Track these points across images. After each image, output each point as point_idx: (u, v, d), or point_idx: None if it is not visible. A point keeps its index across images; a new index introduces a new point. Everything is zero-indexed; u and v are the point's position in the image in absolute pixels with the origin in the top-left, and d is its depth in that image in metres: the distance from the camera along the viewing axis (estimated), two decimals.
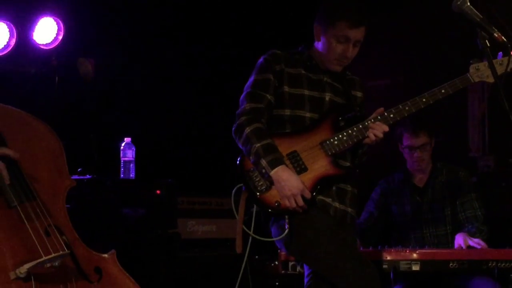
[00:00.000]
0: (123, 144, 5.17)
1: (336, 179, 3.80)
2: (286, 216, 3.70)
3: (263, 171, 3.68)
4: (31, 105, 4.22)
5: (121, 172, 5.14)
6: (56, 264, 3.06)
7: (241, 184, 3.76)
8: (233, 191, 3.77)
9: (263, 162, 3.66)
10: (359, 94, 4.02)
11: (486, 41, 3.39)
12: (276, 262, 4.59)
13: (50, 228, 3.14)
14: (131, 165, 5.15)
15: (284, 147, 3.75)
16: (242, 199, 3.77)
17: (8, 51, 5.34)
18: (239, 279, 3.81)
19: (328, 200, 3.79)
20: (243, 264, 3.80)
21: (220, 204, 5.44)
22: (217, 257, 5.26)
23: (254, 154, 3.69)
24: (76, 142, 5.17)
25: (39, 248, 3.06)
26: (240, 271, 3.81)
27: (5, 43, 5.33)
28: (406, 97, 3.83)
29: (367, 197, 5.14)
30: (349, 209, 3.88)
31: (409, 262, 4.36)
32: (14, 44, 5.36)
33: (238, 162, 3.81)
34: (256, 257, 5.25)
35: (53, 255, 3.05)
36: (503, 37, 3.38)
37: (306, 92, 3.88)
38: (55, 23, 5.58)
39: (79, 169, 4.84)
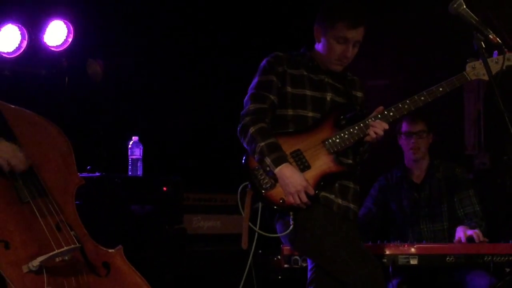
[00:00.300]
0: (131, 143, 5.17)
1: (338, 176, 3.81)
2: (291, 213, 3.71)
3: (268, 169, 3.69)
4: (42, 105, 4.24)
5: (129, 169, 5.14)
6: (66, 258, 3.08)
7: (247, 183, 3.77)
8: (239, 189, 3.78)
9: (268, 160, 3.67)
10: (359, 94, 4.03)
11: (482, 42, 3.40)
12: (279, 257, 4.59)
13: (62, 224, 3.16)
14: (139, 163, 5.15)
15: (288, 146, 3.76)
16: (248, 196, 3.78)
17: (20, 53, 5.35)
18: (245, 274, 3.82)
19: (331, 196, 3.80)
20: (249, 260, 3.81)
21: (225, 201, 5.44)
22: (222, 252, 5.26)
23: (259, 153, 3.69)
24: (85, 141, 5.20)
25: (52, 242, 3.08)
26: (246, 266, 3.82)
27: (17, 45, 5.33)
28: (405, 97, 3.84)
29: (367, 193, 5.14)
30: (352, 205, 3.88)
31: (407, 256, 4.37)
32: (26, 46, 5.36)
33: (243, 161, 3.82)
34: (260, 252, 5.25)
35: (65, 248, 3.07)
36: (497, 39, 3.39)
37: (308, 92, 3.88)
38: (65, 26, 5.58)
39: (88, 167, 4.84)
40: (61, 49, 5.59)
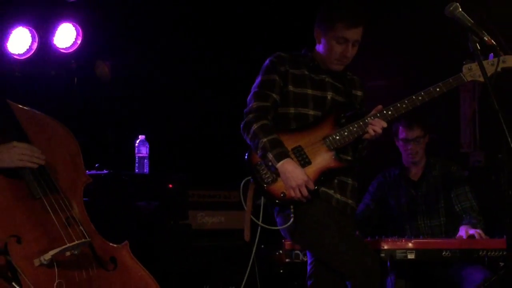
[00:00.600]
0: (137, 141, 5.18)
1: (337, 171, 3.82)
2: (291, 206, 3.72)
3: (270, 164, 3.71)
4: (51, 104, 4.25)
5: (136, 167, 5.15)
6: (76, 252, 3.09)
7: (249, 177, 3.79)
8: (242, 183, 3.80)
9: (270, 156, 3.69)
10: (359, 93, 4.04)
11: (477, 44, 3.40)
12: (281, 251, 4.59)
13: (71, 219, 3.17)
14: (145, 160, 5.16)
15: (290, 142, 3.77)
16: (250, 190, 3.80)
17: (30, 55, 5.36)
18: (249, 267, 3.83)
19: (331, 191, 3.81)
20: (253, 252, 3.82)
21: (228, 197, 5.45)
22: (225, 247, 5.26)
23: (262, 148, 3.71)
24: (94, 139, 5.21)
25: (63, 236, 3.09)
26: (250, 259, 3.83)
27: (28, 47, 5.34)
28: (403, 97, 3.85)
29: (365, 190, 5.15)
30: (350, 201, 3.89)
31: (404, 251, 4.37)
32: (36, 48, 5.37)
33: (246, 156, 3.84)
34: (262, 246, 5.25)
35: (76, 242, 3.08)
36: (492, 41, 3.39)
37: (309, 91, 3.89)
38: (74, 28, 5.59)
39: (96, 165, 4.85)
40: (70, 51, 5.61)
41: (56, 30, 5.50)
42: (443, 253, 4.38)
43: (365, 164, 4.08)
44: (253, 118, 3.78)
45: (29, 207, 3.12)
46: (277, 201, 3.74)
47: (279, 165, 3.67)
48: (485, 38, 3.37)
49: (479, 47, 3.42)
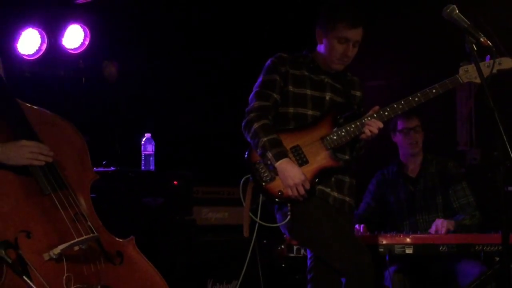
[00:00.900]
0: (143, 139, 5.18)
1: (334, 170, 3.83)
2: (289, 204, 3.73)
3: (269, 162, 3.71)
4: (60, 104, 4.26)
5: (142, 164, 5.15)
6: (84, 247, 3.09)
7: (249, 175, 3.79)
8: (241, 181, 3.82)
9: (269, 155, 3.70)
10: (358, 93, 4.04)
11: (474, 45, 3.39)
12: (282, 246, 4.60)
13: (80, 215, 3.17)
14: (151, 158, 5.16)
15: (288, 142, 3.78)
16: (249, 188, 3.81)
17: (40, 55, 5.37)
18: (247, 260, 3.83)
19: (328, 190, 3.82)
20: (250, 247, 3.83)
21: (232, 193, 5.44)
22: (229, 241, 5.25)
23: (261, 147, 3.72)
24: (101, 138, 5.21)
25: (72, 231, 3.09)
26: (248, 254, 3.84)
27: (37, 48, 5.35)
28: (401, 97, 3.85)
29: (364, 187, 5.14)
30: (347, 198, 3.89)
31: (403, 246, 4.37)
32: (45, 49, 5.38)
33: (246, 155, 3.84)
34: (264, 241, 5.26)
35: (84, 237, 3.08)
36: (488, 42, 3.38)
37: (309, 91, 3.89)
38: (82, 29, 5.60)
39: (104, 162, 4.85)
40: (78, 51, 5.61)
41: (65, 31, 5.51)
42: (440, 248, 4.38)
43: (363, 163, 4.08)
44: (254, 117, 3.78)
45: (39, 203, 3.12)
46: (275, 199, 3.75)
47: (277, 164, 3.68)
48: (481, 39, 3.36)
49: (475, 48, 3.41)
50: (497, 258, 4.35)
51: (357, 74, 4.09)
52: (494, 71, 3.59)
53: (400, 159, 5.12)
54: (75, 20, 5.56)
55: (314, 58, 3.95)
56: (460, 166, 5.19)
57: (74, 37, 5.57)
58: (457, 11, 3.38)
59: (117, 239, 3.32)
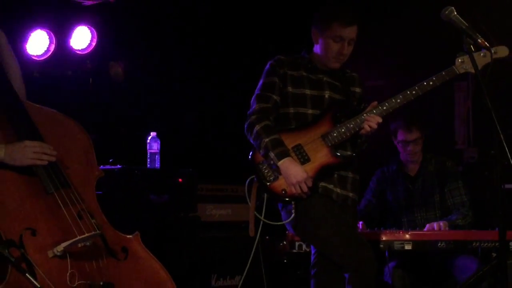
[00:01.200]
0: (149, 138, 5.17)
1: (336, 167, 3.81)
2: (293, 202, 3.71)
3: (272, 162, 3.71)
4: (68, 103, 4.24)
5: (148, 162, 5.14)
6: (88, 243, 3.07)
7: (253, 176, 3.79)
8: (247, 182, 3.82)
9: (271, 155, 3.70)
10: (357, 89, 4.01)
11: (471, 45, 3.37)
12: (285, 242, 4.58)
13: (83, 212, 3.15)
14: (157, 156, 5.15)
15: (290, 141, 3.77)
16: (254, 188, 3.81)
17: (48, 56, 5.36)
18: (250, 258, 3.82)
19: (330, 186, 3.80)
20: (255, 245, 3.82)
21: (235, 191, 5.43)
22: (232, 238, 5.25)
23: (264, 148, 3.72)
24: (108, 136, 5.20)
25: (74, 229, 3.07)
26: (252, 250, 3.82)
27: (46, 49, 5.34)
28: None
29: (365, 184, 5.12)
30: (351, 194, 3.87)
31: (402, 242, 4.36)
32: (53, 50, 5.37)
33: (250, 156, 3.85)
34: (267, 237, 5.25)
35: (86, 234, 3.06)
36: (485, 42, 3.36)
37: (308, 91, 3.88)
38: (89, 31, 5.59)
39: (110, 160, 4.84)
40: (85, 52, 5.61)
41: (73, 32, 5.50)
42: (439, 244, 4.36)
43: (365, 160, 4.06)
44: (256, 119, 3.78)
45: (43, 202, 3.10)
46: (280, 198, 3.74)
47: (280, 163, 3.68)
48: (479, 40, 3.35)
49: (473, 49, 3.40)
50: (494, 254, 4.33)
51: (358, 73, 4.06)
52: (491, 58, 3.52)
53: (400, 158, 5.09)
54: (82, 22, 5.55)
55: (312, 59, 3.94)
56: (457, 165, 5.17)
57: (81, 38, 5.56)
58: (455, 13, 3.36)
59: (122, 234, 3.30)
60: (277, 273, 5.37)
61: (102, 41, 5.62)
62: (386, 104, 3.79)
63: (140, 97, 5.92)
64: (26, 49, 5.22)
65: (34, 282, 2.82)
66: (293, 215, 3.71)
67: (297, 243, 4.47)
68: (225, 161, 6.01)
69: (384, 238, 4.35)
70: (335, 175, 3.82)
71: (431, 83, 3.78)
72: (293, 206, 3.72)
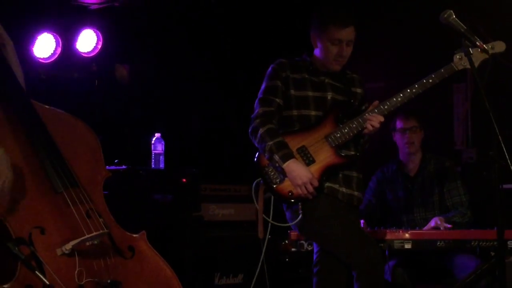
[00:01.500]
0: (154, 139, 5.18)
1: (340, 167, 3.81)
2: (299, 203, 3.71)
3: (277, 165, 3.71)
4: (74, 104, 4.24)
5: (152, 163, 5.15)
6: (96, 242, 3.07)
7: (260, 179, 3.79)
8: (253, 185, 3.82)
9: (276, 157, 3.69)
10: (359, 90, 4.01)
11: (469, 48, 3.38)
12: (287, 241, 4.58)
13: (91, 211, 3.16)
14: (161, 157, 5.16)
15: (294, 143, 3.77)
16: (261, 191, 3.81)
17: (55, 59, 5.38)
18: (261, 259, 3.84)
19: (336, 186, 3.80)
20: (264, 247, 3.83)
21: (238, 191, 5.44)
22: (235, 237, 5.26)
23: (268, 151, 3.72)
24: (113, 137, 5.21)
25: (82, 228, 3.08)
26: (258, 250, 3.85)
27: (52, 52, 5.36)
28: None
29: (366, 184, 5.12)
30: (356, 193, 3.87)
31: (402, 241, 4.36)
32: (60, 53, 5.39)
33: (255, 159, 3.85)
34: (269, 237, 5.24)
35: (94, 233, 3.07)
36: (484, 45, 3.37)
37: (310, 93, 3.88)
38: (94, 34, 5.60)
39: (116, 161, 4.85)
40: (91, 55, 5.62)
41: (79, 36, 5.52)
42: (438, 243, 4.36)
43: (365, 160, 4.06)
44: (260, 123, 3.77)
45: (52, 201, 3.10)
46: (286, 199, 3.74)
47: (285, 165, 3.67)
48: (477, 43, 3.36)
49: (471, 52, 3.40)
50: (492, 253, 4.33)
51: (358, 75, 4.07)
52: (490, 53, 3.52)
53: (399, 158, 5.10)
54: (88, 25, 5.57)
55: (313, 61, 3.94)
56: (456, 165, 5.17)
57: (87, 41, 5.58)
58: (454, 16, 3.37)
59: (128, 234, 3.31)
60: (279, 271, 5.37)
61: (107, 44, 5.63)
62: (388, 102, 3.80)
63: (144, 99, 5.93)
64: (33, 52, 5.24)
65: (44, 279, 2.84)
66: (300, 215, 3.71)
67: (299, 242, 4.47)
68: (228, 162, 6.02)
69: (384, 237, 4.36)
70: (340, 175, 3.82)
71: (430, 80, 3.79)
72: (300, 207, 3.72)
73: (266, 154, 3.74)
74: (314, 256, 3.93)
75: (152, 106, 5.97)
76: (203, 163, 5.50)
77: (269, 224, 3.78)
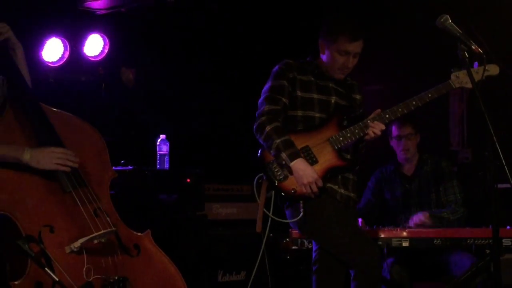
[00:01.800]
0: (159, 140, 5.18)
1: (342, 169, 3.81)
2: (301, 201, 3.71)
3: (283, 162, 3.69)
4: (81, 107, 4.26)
5: (157, 163, 5.15)
6: (103, 240, 3.09)
7: (262, 174, 3.77)
8: (255, 180, 3.79)
9: (283, 155, 3.67)
10: (358, 96, 4.02)
11: (465, 52, 3.38)
12: (288, 239, 4.58)
13: (99, 210, 3.17)
14: (166, 157, 5.16)
15: (298, 143, 3.75)
16: (263, 186, 3.78)
17: (63, 63, 5.39)
18: (260, 255, 3.82)
19: (335, 187, 3.80)
20: (264, 241, 3.82)
21: (241, 190, 5.44)
22: (238, 235, 5.26)
23: (275, 149, 3.69)
24: (119, 139, 5.22)
25: (91, 226, 3.09)
26: (260, 247, 3.84)
27: (60, 56, 5.38)
28: (398, 101, 3.84)
29: (364, 184, 5.13)
30: (352, 194, 3.88)
31: (400, 239, 4.36)
32: (68, 57, 5.40)
33: (259, 155, 3.82)
34: (271, 235, 5.24)
35: (102, 231, 3.08)
36: (479, 49, 3.37)
37: (316, 96, 3.88)
38: (101, 38, 5.61)
39: (122, 161, 4.85)
40: (98, 59, 5.63)
41: (86, 40, 5.53)
42: (435, 241, 4.36)
43: (364, 162, 4.07)
44: (266, 120, 3.75)
45: (61, 200, 3.12)
46: (288, 196, 3.73)
47: (292, 164, 3.66)
48: (472, 47, 3.36)
49: (467, 55, 3.41)
50: (488, 251, 4.33)
51: (357, 78, 4.08)
52: (483, 77, 3.56)
53: (397, 160, 5.10)
54: (95, 30, 5.58)
55: (318, 65, 3.93)
56: (452, 165, 5.18)
57: (94, 45, 5.59)
58: (450, 21, 3.38)
59: (134, 232, 3.32)
60: (280, 269, 5.38)
61: (114, 48, 5.64)
62: (389, 112, 3.80)
63: (150, 101, 5.94)
64: (42, 56, 5.26)
65: (53, 276, 2.85)
66: (301, 213, 3.70)
67: (299, 240, 4.47)
68: (231, 162, 6.02)
69: (382, 236, 4.36)
70: (339, 177, 3.82)
71: (429, 95, 3.80)
72: (301, 205, 3.71)
73: (272, 151, 3.71)
74: (313, 255, 3.93)
75: (157, 108, 5.97)
76: (207, 164, 5.49)
77: (269, 219, 3.77)
